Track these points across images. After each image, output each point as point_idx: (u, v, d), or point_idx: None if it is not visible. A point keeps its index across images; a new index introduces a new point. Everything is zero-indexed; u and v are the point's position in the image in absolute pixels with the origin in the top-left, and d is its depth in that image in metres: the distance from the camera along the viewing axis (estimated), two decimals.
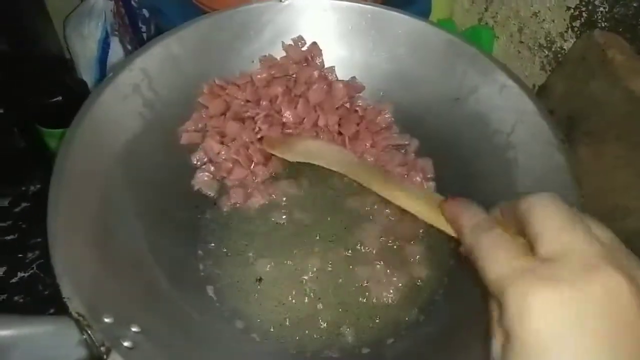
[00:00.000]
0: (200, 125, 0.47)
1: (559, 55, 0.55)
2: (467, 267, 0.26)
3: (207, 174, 0.46)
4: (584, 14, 0.50)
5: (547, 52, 0.56)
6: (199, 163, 0.46)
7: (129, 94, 0.42)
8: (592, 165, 0.47)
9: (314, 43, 0.50)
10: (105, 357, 0.28)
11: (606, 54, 0.46)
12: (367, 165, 0.45)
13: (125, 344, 0.30)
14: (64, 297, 0.30)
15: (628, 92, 0.44)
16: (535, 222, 0.23)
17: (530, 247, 0.23)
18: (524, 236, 0.24)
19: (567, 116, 0.50)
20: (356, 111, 0.49)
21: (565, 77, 0.52)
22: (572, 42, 0.52)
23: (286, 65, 0.49)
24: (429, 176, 0.48)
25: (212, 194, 0.46)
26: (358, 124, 0.49)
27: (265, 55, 0.49)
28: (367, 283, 0.41)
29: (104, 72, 0.52)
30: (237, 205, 0.45)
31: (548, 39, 0.55)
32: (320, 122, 0.48)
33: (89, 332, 0.28)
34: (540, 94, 0.55)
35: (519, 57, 0.60)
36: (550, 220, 0.23)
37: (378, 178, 0.41)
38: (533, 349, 0.20)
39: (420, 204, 0.34)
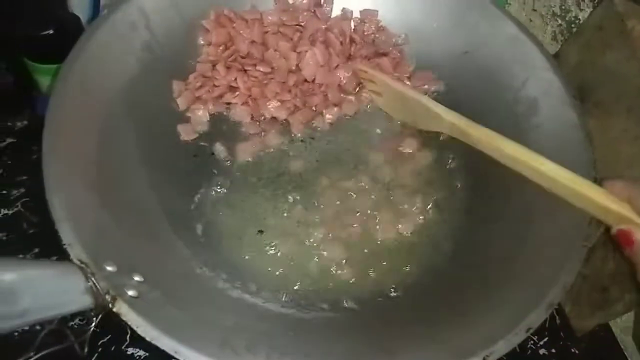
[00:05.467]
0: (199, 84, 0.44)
1: (573, 25, 0.53)
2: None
3: (200, 108, 0.44)
4: None
5: (560, 22, 0.55)
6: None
7: (126, 33, 0.39)
8: (599, 137, 0.47)
9: None
10: (110, 306, 0.27)
11: (625, 24, 0.45)
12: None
13: (130, 292, 0.29)
14: (64, 244, 0.29)
15: None
16: None
17: None
18: None
19: (578, 87, 0.50)
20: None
21: (579, 46, 0.51)
22: (588, 11, 0.51)
23: (297, 12, 0.47)
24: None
25: (205, 129, 0.43)
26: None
27: None
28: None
29: (97, 10, 0.49)
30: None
31: (563, 7, 0.54)
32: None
33: (94, 279, 0.27)
34: None
35: (531, 25, 0.58)
36: None
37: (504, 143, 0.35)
38: None
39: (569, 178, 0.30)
